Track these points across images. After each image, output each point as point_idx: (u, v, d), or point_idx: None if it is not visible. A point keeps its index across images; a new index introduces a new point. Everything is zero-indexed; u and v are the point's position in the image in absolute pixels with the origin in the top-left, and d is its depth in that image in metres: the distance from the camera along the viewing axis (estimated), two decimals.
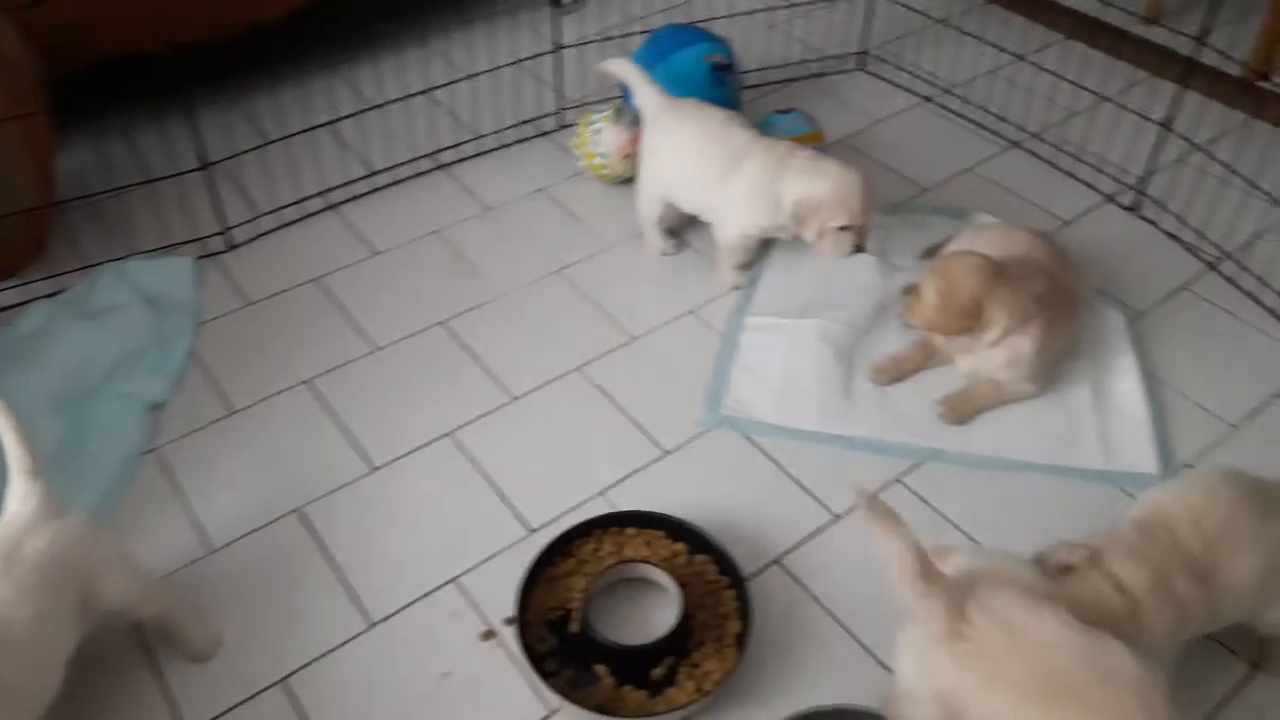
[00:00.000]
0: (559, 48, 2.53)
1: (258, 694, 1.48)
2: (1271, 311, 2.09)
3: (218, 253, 2.25)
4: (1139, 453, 1.79)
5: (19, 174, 2.09)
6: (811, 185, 1.92)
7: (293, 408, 1.92)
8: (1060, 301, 1.85)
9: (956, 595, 1.17)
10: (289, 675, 1.50)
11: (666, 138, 2.11)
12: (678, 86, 2.22)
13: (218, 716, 1.46)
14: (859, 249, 1.95)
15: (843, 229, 1.92)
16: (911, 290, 1.85)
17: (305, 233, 2.32)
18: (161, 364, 1.97)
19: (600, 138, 2.33)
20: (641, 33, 2.55)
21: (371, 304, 2.14)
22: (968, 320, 1.77)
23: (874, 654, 1.51)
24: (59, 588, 1.30)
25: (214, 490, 1.77)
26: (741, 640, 1.49)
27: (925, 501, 1.73)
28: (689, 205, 2.14)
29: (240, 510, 1.74)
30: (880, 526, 1.17)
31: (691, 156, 2.07)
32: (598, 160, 2.35)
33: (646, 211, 2.19)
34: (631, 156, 2.28)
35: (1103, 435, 1.82)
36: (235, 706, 1.47)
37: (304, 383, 1.96)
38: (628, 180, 2.34)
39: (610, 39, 2.65)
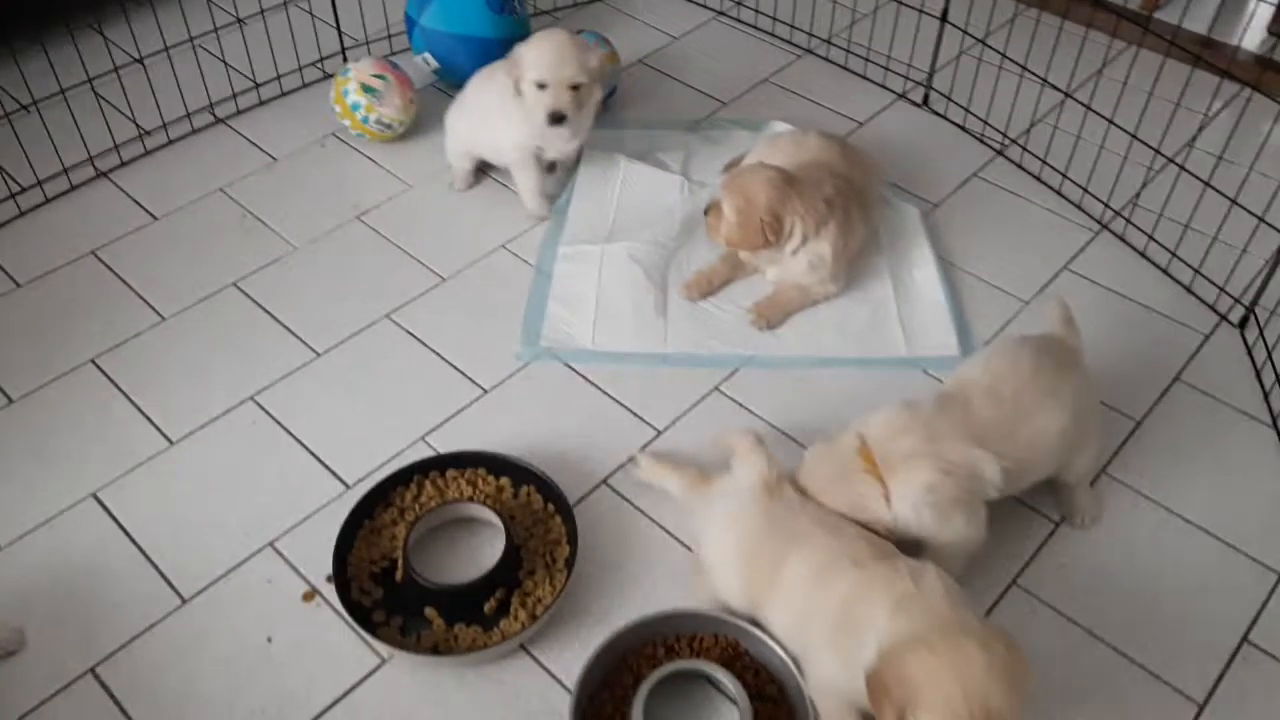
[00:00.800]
0: None
1: (68, 685, 1.40)
2: (1055, 191, 2.20)
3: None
4: (940, 336, 1.86)
5: None
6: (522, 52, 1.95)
7: (78, 390, 1.78)
8: (853, 201, 1.89)
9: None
10: (99, 662, 1.42)
11: (458, 107, 2.14)
12: (458, 21, 2.15)
13: (28, 712, 1.36)
14: (557, 116, 1.93)
15: (541, 87, 1.92)
16: (713, 208, 1.85)
17: (75, 205, 2.15)
18: None
19: (380, 105, 2.22)
20: None
21: (156, 272, 2.00)
22: (767, 233, 1.79)
23: None
24: None
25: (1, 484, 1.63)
26: (570, 562, 1.48)
27: (743, 406, 1.76)
28: (484, 153, 2.15)
29: (26, 505, 1.61)
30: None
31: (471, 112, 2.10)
32: (374, 126, 2.25)
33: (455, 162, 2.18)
34: (413, 102, 2.24)
35: (905, 324, 1.88)
36: (46, 700, 1.38)
37: (89, 362, 1.83)
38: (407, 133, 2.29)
39: None
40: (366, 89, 2.19)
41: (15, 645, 1.42)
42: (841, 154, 1.96)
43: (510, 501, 1.57)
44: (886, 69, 2.49)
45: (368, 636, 1.41)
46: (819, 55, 2.60)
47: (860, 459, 1.38)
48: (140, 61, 2.30)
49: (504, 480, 1.60)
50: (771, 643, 1.36)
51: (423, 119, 2.31)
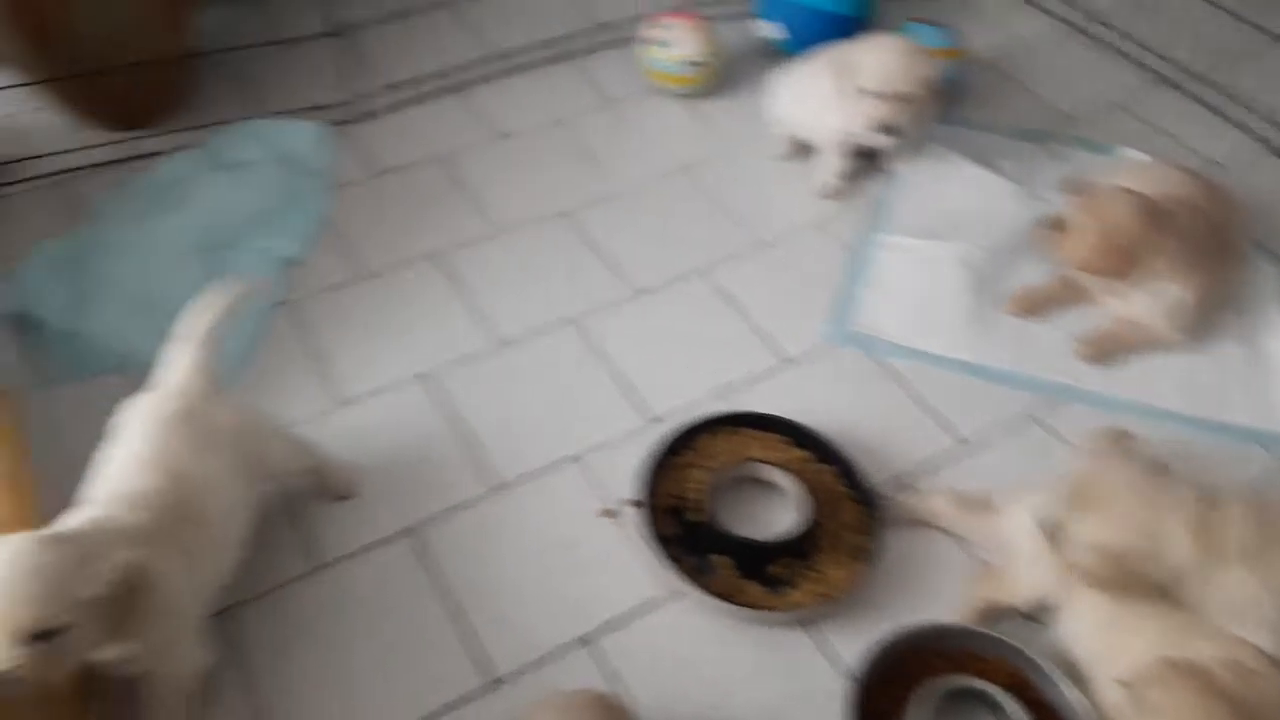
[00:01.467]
0: None
1: (387, 539, 1.52)
2: None
3: (345, 121, 2.24)
4: None
5: (159, 26, 2.08)
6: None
7: (420, 278, 1.92)
8: (1220, 250, 1.76)
9: None
10: (412, 526, 1.53)
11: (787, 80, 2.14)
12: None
13: (345, 556, 1.50)
14: (887, 128, 1.87)
15: (874, 96, 1.87)
16: (1057, 224, 1.77)
17: (431, 110, 2.30)
18: (295, 222, 1.98)
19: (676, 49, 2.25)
20: None
21: (496, 187, 2.12)
22: (1123, 263, 1.69)
23: None
24: (241, 458, 1.33)
25: (344, 348, 1.79)
26: (864, 551, 1.47)
27: (1058, 437, 1.68)
28: (800, 131, 2.15)
29: (369, 370, 1.75)
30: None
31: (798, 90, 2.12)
32: (684, 70, 2.28)
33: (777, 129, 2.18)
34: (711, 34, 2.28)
35: (1257, 393, 1.74)
36: (363, 549, 1.50)
37: (430, 256, 1.96)
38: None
39: None
40: (659, 44, 2.25)
41: (349, 491, 1.56)
42: (1209, 196, 1.83)
43: (811, 476, 1.57)
44: (1263, 117, 2.30)
45: (663, 567, 1.45)
46: (1182, 88, 2.43)
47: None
48: None
49: (805, 453, 1.61)
50: (1064, 686, 1.30)
51: (748, 80, 2.33)
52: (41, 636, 1.00)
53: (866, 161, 2.13)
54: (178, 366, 1.35)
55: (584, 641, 1.42)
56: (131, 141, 2.14)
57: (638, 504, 1.52)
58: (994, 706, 1.32)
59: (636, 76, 2.38)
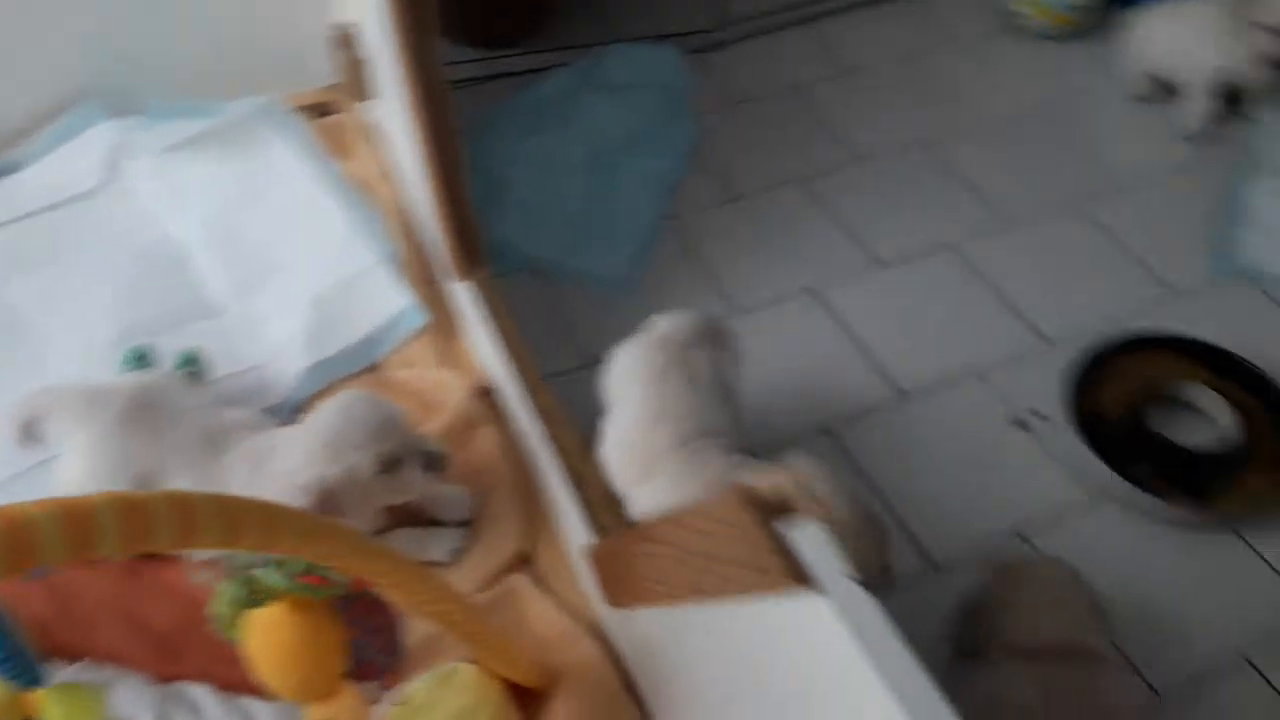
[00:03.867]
0: None
1: (807, 437, 1.61)
2: None
3: (699, 50, 2.34)
4: None
5: None
6: None
7: (789, 201, 2.01)
8: None
9: None
10: (832, 425, 1.63)
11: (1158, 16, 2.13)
12: None
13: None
14: None
15: (1272, 32, 1.84)
16: None
17: (780, 41, 2.37)
18: (672, 143, 2.09)
19: None
20: None
21: (850, 116, 2.18)
22: None
23: None
24: None
25: (730, 262, 1.88)
26: None
27: None
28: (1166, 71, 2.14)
29: (758, 282, 1.85)
30: None
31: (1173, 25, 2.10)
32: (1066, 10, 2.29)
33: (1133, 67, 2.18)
34: None
35: None
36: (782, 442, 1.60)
37: (796, 181, 2.05)
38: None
39: None
40: None
41: None
42: None
43: (1229, 393, 1.59)
44: None
45: (1106, 467, 1.50)
46: None
47: None
48: None
49: (1210, 374, 1.63)
50: None
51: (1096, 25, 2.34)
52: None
53: (1230, 106, 2.11)
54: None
55: (1019, 536, 1.48)
56: (500, 59, 2.29)
57: (1043, 416, 1.58)
58: None
59: (984, 15, 2.41)
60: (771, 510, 0.65)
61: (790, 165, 2.08)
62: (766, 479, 1.10)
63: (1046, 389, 1.62)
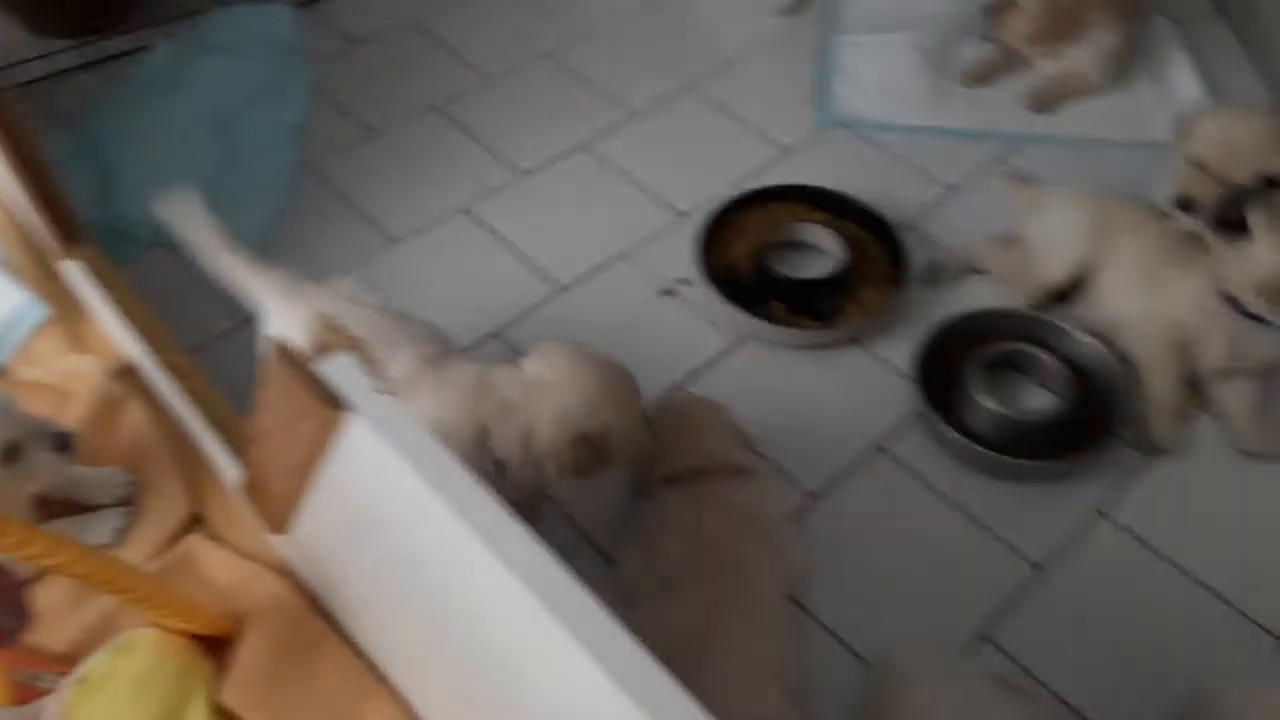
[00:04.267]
0: None
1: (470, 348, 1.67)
2: None
3: (312, 1, 2.29)
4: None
5: None
6: None
7: (428, 130, 2.03)
8: (1130, 6, 2.06)
9: None
10: (499, 332, 1.69)
11: None
12: None
13: None
14: None
15: None
16: (1004, 6, 2.02)
17: None
18: (291, 92, 2.05)
19: None
20: None
21: (468, 37, 2.23)
22: (1067, 26, 1.96)
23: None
24: None
25: (376, 196, 1.90)
26: (896, 279, 1.71)
27: (1031, 175, 1.94)
28: None
29: (408, 211, 1.87)
30: None
31: None
32: None
33: None
34: None
35: (1170, 114, 2.04)
36: None
37: (432, 110, 2.07)
38: None
39: None
40: None
41: None
42: None
43: (837, 228, 1.79)
44: None
45: (738, 312, 1.65)
46: None
47: None
48: None
49: (827, 214, 1.82)
50: (1080, 335, 1.59)
51: None
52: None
53: None
54: None
55: (680, 387, 1.62)
56: (101, 43, 2.15)
57: (687, 282, 1.72)
58: (1029, 365, 1.60)
59: None
60: (306, 357, 0.69)
61: (423, 95, 2.10)
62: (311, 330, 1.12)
63: (687, 257, 1.75)
